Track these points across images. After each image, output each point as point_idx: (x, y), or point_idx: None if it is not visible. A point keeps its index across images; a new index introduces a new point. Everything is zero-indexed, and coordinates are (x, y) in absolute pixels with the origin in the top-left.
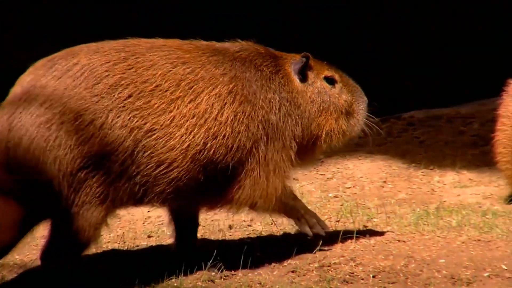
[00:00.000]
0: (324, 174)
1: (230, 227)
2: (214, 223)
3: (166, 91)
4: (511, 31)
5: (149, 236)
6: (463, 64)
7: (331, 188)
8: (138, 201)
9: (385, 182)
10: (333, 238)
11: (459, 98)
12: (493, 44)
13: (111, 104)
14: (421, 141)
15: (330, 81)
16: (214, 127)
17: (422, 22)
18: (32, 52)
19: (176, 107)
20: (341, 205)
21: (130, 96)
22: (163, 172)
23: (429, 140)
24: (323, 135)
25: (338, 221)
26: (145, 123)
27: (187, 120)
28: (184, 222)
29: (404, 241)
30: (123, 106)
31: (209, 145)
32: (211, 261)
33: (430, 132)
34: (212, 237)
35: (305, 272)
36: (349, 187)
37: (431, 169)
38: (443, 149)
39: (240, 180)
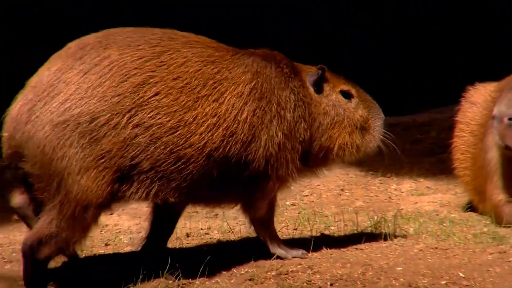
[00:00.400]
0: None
1: (188, 235)
2: None
3: (194, 89)
4: (468, 39)
5: (106, 244)
6: (421, 72)
7: (289, 196)
8: (151, 196)
9: (342, 190)
10: (291, 245)
11: (416, 106)
12: (450, 52)
13: (132, 104)
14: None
15: (347, 95)
16: (233, 125)
17: (377, 31)
18: (32, 52)
19: (201, 105)
20: (299, 213)
21: (157, 93)
22: (180, 167)
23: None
24: (335, 148)
25: (295, 229)
26: (170, 120)
27: (208, 119)
28: (163, 222)
29: (362, 249)
30: (145, 105)
31: (225, 142)
32: (167, 268)
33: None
34: (170, 245)
35: (263, 280)
36: (307, 195)
37: (388, 177)
38: (400, 157)
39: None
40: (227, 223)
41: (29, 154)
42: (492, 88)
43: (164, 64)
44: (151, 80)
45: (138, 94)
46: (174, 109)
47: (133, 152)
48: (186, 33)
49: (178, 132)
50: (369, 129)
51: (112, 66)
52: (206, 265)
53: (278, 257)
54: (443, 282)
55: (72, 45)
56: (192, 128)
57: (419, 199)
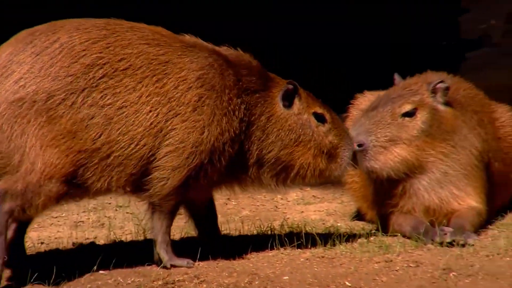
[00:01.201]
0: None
1: (74, 244)
2: (58, 240)
3: (138, 69)
4: (353, 49)
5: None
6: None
7: None
8: (113, 185)
9: (228, 199)
10: (177, 255)
11: None
12: (336, 60)
13: (84, 84)
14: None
15: (320, 118)
16: (177, 107)
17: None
18: None
19: (144, 85)
20: (185, 222)
21: (104, 75)
22: (134, 150)
23: None
24: (296, 166)
25: (182, 238)
26: (117, 100)
27: (152, 98)
28: (201, 215)
29: (248, 258)
30: (96, 85)
31: (169, 122)
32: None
33: None
34: (55, 254)
35: None
36: None
37: None
38: None
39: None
40: (113, 232)
41: None
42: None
43: (110, 46)
44: (99, 61)
45: (89, 75)
46: (119, 90)
47: (93, 133)
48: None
49: (125, 112)
50: (336, 157)
51: (62, 48)
52: (91, 275)
53: (165, 267)
54: None
55: (22, 33)
56: (138, 107)
57: (305, 208)
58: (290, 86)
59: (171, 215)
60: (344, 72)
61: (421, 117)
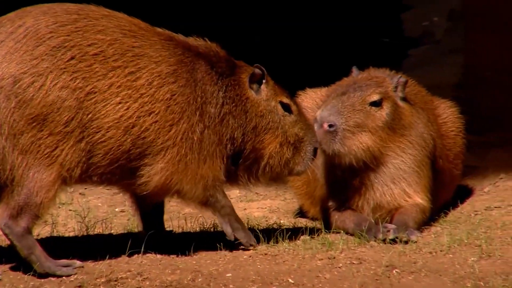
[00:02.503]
0: (110, 189)
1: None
2: (1, 238)
3: (109, 57)
4: (294, 46)
5: None
6: None
7: (118, 203)
8: (87, 174)
9: None
10: (119, 252)
11: None
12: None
13: (51, 66)
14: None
15: (286, 108)
16: (150, 103)
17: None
18: None
19: (115, 76)
20: (128, 220)
21: (72, 58)
22: (102, 140)
23: None
24: (266, 156)
25: (125, 235)
26: (87, 85)
27: (123, 90)
28: (148, 211)
29: (191, 255)
30: (65, 68)
31: (142, 119)
32: None
33: None
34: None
35: (92, 287)
36: None
37: None
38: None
39: (171, 162)
40: (56, 230)
41: None
42: (322, 93)
43: (79, 30)
44: (67, 44)
45: (55, 57)
46: (88, 75)
47: (66, 117)
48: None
49: (94, 99)
50: (300, 150)
51: (27, 32)
52: (35, 272)
53: (109, 264)
54: None
55: None
56: (106, 96)
57: (248, 205)
58: (257, 70)
59: (213, 198)
60: (284, 70)
61: (386, 108)
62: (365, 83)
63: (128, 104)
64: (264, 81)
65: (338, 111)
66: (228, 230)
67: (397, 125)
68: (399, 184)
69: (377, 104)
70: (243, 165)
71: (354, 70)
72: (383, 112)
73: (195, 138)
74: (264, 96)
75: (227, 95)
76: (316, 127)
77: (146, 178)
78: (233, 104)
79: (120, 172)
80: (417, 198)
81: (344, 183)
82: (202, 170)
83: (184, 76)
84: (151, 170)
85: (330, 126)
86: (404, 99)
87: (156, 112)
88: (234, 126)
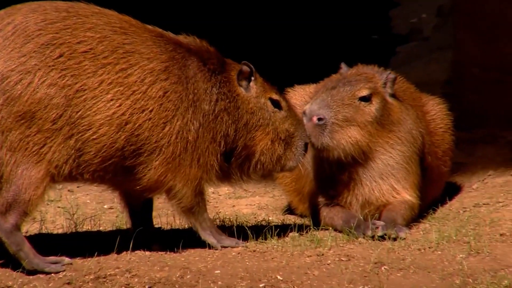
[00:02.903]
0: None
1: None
2: None
3: (99, 55)
4: (283, 43)
5: None
6: None
7: (106, 200)
8: (78, 171)
9: None
10: (108, 249)
11: None
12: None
13: (39, 63)
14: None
15: (276, 104)
16: (143, 100)
17: None
18: None
19: (106, 72)
20: (116, 217)
21: (61, 55)
22: (93, 138)
23: None
24: (258, 153)
25: (114, 232)
26: (76, 83)
27: (114, 87)
28: (138, 208)
29: (180, 252)
30: (53, 65)
31: (135, 117)
32: None
33: None
34: None
35: (81, 284)
36: None
37: None
38: None
39: (166, 160)
40: (45, 226)
41: None
42: (311, 89)
43: (69, 28)
44: (55, 41)
45: (44, 54)
46: (77, 72)
47: (54, 114)
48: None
49: (84, 96)
50: (291, 146)
51: (15, 30)
52: (23, 269)
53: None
54: (261, 285)
55: None
56: (96, 93)
57: (237, 202)
58: (245, 67)
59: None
60: (273, 67)
61: (376, 104)
62: (355, 78)
63: (120, 101)
64: (252, 78)
65: (328, 104)
66: (213, 241)
67: (386, 120)
68: (388, 180)
69: (366, 99)
70: (235, 163)
71: (343, 66)
72: (372, 107)
73: (190, 137)
74: (254, 93)
75: (221, 91)
76: (305, 120)
77: (140, 175)
78: (227, 101)
79: (113, 169)
80: (405, 194)
81: (332, 178)
82: (195, 169)
83: (176, 73)
84: (146, 167)
85: (319, 119)
86: (393, 95)
87: (149, 109)
88: (228, 123)
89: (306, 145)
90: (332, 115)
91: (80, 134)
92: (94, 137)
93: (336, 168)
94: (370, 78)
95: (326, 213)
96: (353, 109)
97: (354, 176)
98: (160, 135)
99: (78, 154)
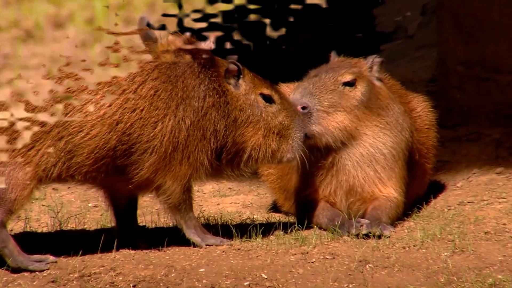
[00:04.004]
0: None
1: None
2: None
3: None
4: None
5: None
6: None
7: (91, 198)
8: (68, 173)
9: None
10: (93, 247)
11: None
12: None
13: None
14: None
15: (267, 99)
16: (133, 100)
17: None
18: None
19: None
20: (101, 215)
21: None
22: (85, 139)
23: None
24: (248, 148)
25: (99, 230)
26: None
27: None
28: (122, 207)
29: (164, 251)
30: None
31: (126, 116)
32: None
33: None
34: None
35: (65, 282)
36: None
37: None
38: None
39: (158, 159)
40: (30, 225)
41: None
42: (294, 87)
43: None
44: None
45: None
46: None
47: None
48: None
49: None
50: (288, 138)
51: None
52: (8, 267)
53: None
54: (246, 283)
55: None
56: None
57: (221, 200)
58: (232, 65)
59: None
60: (257, 66)
61: (361, 88)
62: (338, 64)
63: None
64: (241, 75)
65: (310, 92)
66: (197, 239)
67: (374, 104)
68: (373, 167)
69: (350, 84)
70: (225, 159)
71: (333, 55)
72: (358, 92)
73: (181, 136)
74: (243, 90)
75: (210, 87)
76: None
77: (131, 174)
78: (217, 96)
79: (106, 169)
80: (391, 189)
81: (317, 167)
82: (185, 167)
83: (166, 72)
84: (137, 167)
85: (303, 108)
86: (380, 79)
87: (141, 108)
88: (217, 119)
89: (305, 135)
90: (316, 102)
91: (70, 136)
92: (86, 138)
93: (321, 156)
94: (354, 64)
95: (311, 211)
96: (338, 95)
97: (339, 161)
98: (152, 134)
99: (69, 157)
